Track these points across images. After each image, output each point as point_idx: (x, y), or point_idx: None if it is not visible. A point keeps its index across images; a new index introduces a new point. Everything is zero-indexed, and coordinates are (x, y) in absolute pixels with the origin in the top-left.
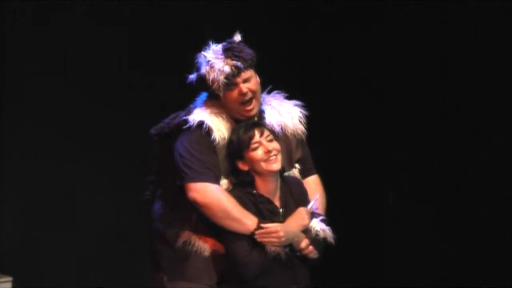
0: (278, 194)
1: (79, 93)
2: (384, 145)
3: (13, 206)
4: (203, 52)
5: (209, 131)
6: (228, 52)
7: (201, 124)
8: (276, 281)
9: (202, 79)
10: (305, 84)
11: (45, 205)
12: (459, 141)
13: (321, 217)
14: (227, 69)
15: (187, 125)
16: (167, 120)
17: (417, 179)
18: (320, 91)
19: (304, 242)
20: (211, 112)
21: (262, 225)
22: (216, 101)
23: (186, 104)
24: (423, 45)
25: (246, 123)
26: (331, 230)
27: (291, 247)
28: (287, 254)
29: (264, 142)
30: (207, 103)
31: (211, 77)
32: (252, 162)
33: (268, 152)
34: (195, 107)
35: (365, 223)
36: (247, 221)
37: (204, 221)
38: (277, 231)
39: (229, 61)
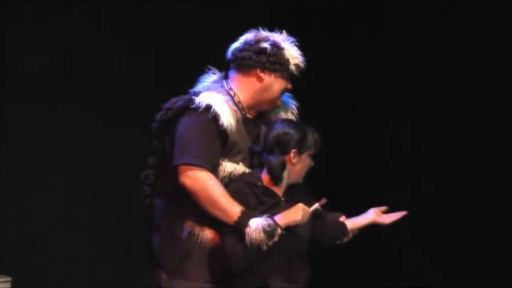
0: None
1: (79, 93)
2: (384, 145)
3: (13, 206)
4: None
5: (216, 116)
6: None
7: (208, 107)
8: (275, 279)
9: (276, 48)
10: (305, 83)
11: (45, 205)
12: (459, 141)
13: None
14: (302, 61)
15: (193, 106)
16: (167, 105)
17: (417, 179)
18: (320, 90)
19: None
20: (218, 97)
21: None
22: (223, 88)
23: None
24: (423, 45)
25: (316, 135)
26: None
27: (302, 247)
28: (275, 248)
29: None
30: (213, 88)
31: (288, 53)
32: (300, 164)
33: (310, 168)
34: (198, 92)
35: None
36: (231, 211)
37: (206, 212)
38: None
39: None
